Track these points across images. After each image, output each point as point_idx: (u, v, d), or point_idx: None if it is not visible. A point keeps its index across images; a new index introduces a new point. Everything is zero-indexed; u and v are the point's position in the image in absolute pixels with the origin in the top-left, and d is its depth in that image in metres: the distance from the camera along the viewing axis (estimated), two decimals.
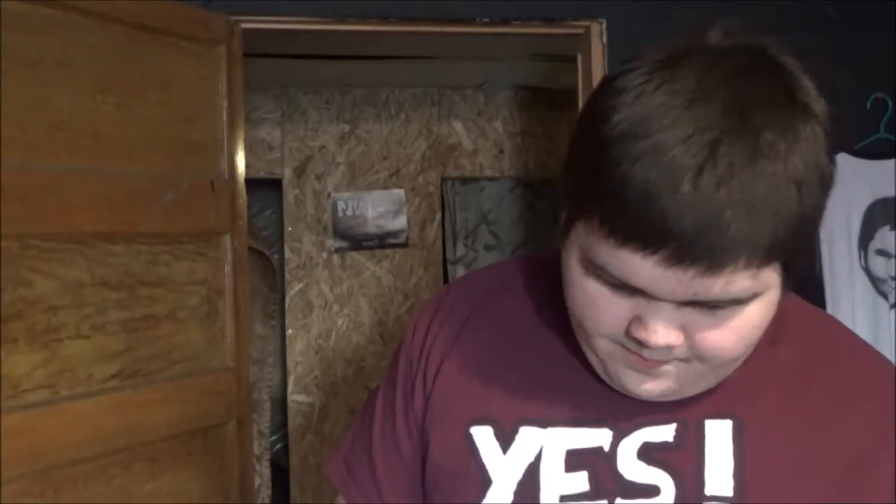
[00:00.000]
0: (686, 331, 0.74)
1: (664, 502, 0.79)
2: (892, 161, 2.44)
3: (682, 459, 0.80)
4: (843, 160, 2.43)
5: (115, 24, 1.80)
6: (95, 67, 1.77)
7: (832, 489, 0.78)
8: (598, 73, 2.34)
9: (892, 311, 2.43)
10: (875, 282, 2.43)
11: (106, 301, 1.77)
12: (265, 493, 2.93)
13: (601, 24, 2.35)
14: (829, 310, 2.39)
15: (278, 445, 3.85)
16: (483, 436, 0.86)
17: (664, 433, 0.82)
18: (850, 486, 0.79)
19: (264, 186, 3.79)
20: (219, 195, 2.03)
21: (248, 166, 2.18)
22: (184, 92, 1.96)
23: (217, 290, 2.03)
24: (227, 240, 2.06)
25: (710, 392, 0.81)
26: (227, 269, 2.06)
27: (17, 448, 1.58)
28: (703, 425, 0.81)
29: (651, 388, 0.79)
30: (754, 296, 0.72)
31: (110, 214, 1.77)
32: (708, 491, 0.79)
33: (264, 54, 2.94)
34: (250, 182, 2.22)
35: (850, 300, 2.40)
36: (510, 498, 0.83)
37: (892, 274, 2.43)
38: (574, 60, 2.45)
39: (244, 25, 2.15)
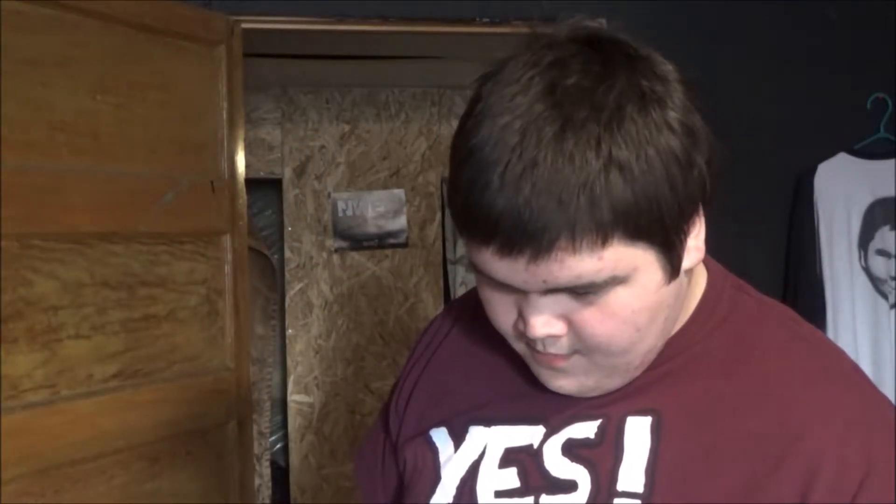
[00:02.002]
0: (568, 321, 0.75)
1: (579, 499, 0.80)
2: (892, 161, 2.44)
3: (601, 456, 0.81)
4: (843, 160, 2.44)
5: (115, 24, 1.80)
6: (95, 67, 1.77)
7: (740, 488, 0.76)
8: None
9: (892, 311, 2.42)
10: (875, 282, 2.43)
11: (106, 301, 1.77)
12: (265, 493, 2.93)
13: (601, 24, 2.35)
14: (829, 310, 2.40)
15: (278, 445, 3.85)
16: (439, 436, 0.90)
17: (588, 430, 0.82)
18: (757, 486, 0.76)
19: (264, 186, 3.79)
20: (219, 195, 2.03)
21: (248, 166, 2.18)
22: (184, 92, 1.97)
23: (217, 290, 2.03)
24: (227, 240, 2.06)
25: (637, 388, 0.82)
26: (227, 269, 2.06)
27: (17, 448, 1.58)
28: (624, 422, 0.81)
29: (564, 384, 0.81)
30: (615, 279, 0.72)
31: (110, 214, 1.77)
32: (619, 487, 0.79)
33: (264, 54, 2.94)
34: (250, 182, 2.22)
35: (850, 300, 2.40)
36: (452, 493, 0.85)
37: (892, 274, 2.43)
38: None
39: (244, 25, 2.15)
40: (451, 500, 0.85)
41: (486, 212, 0.69)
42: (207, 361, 2.00)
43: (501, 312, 0.78)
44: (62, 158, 1.69)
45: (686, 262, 0.77)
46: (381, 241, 3.73)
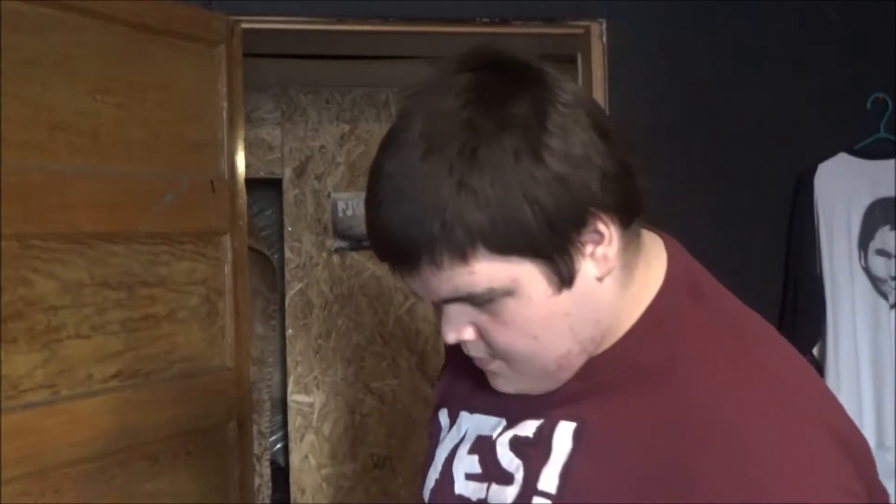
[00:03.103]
0: (477, 329, 0.81)
1: (512, 492, 0.85)
2: (892, 161, 2.44)
3: (535, 454, 0.85)
4: (843, 160, 2.44)
5: (115, 24, 1.80)
6: (95, 67, 1.77)
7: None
8: (598, 73, 2.34)
9: (892, 311, 2.42)
10: (875, 282, 2.43)
11: (106, 301, 1.77)
12: (265, 493, 2.93)
13: (601, 24, 2.35)
14: (829, 310, 2.39)
15: (278, 445, 3.85)
16: (443, 416, 1.00)
17: (531, 428, 0.86)
18: None
19: (264, 186, 3.79)
20: (219, 195, 2.03)
21: (248, 166, 2.18)
22: (184, 92, 1.97)
23: (217, 290, 2.03)
24: (227, 240, 2.06)
25: (574, 394, 0.84)
26: (227, 269, 2.06)
27: (17, 448, 1.58)
28: (556, 424, 0.84)
29: (501, 385, 0.87)
30: (496, 290, 0.77)
31: (110, 214, 1.77)
32: (539, 486, 0.83)
33: (264, 54, 2.94)
34: (250, 182, 2.22)
35: (850, 300, 2.40)
36: (438, 471, 0.94)
37: (892, 274, 2.43)
38: (574, 60, 2.45)
39: (244, 25, 2.15)
40: (437, 477, 0.94)
41: (373, 234, 0.79)
42: (207, 361, 2.00)
43: (438, 321, 0.84)
44: (62, 158, 1.69)
45: (594, 272, 0.79)
46: None
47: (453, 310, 0.80)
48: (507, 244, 0.74)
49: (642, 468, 0.77)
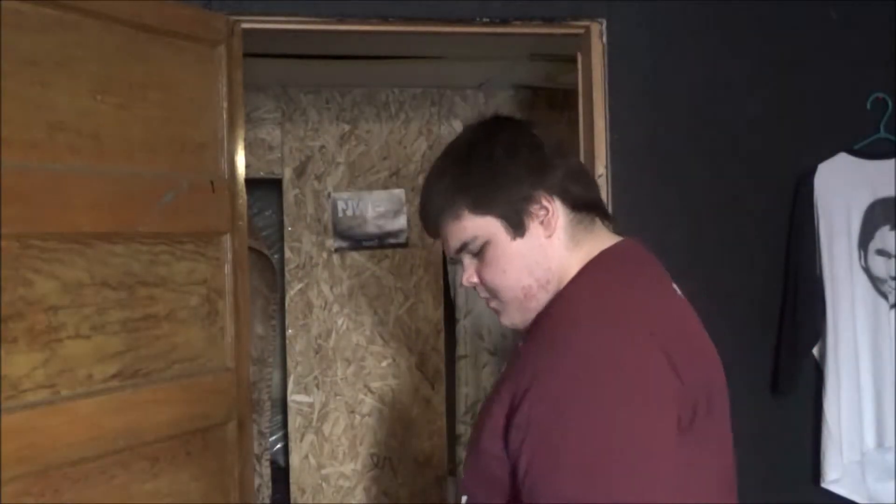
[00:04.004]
0: (478, 274, 1.32)
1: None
2: (892, 161, 2.44)
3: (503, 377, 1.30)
4: (843, 160, 2.44)
5: (115, 24, 1.80)
6: (95, 67, 1.77)
7: (503, 412, 1.19)
8: (598, 73, 2.34)
9: (892, 311, 2.42)
10: (875, 282, 2.43)
11: (106, 301, 1.77)
12: (265, 493, 2.93)
13: (601, 24, 2.35)
14: (829, 310, 2.39)
15: (278, 445, 3.85)
16: None
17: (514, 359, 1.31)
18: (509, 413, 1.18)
19: (264, 186, 3.79)
20: (219, 195, 2.04)
21: (248, 166, 2.18)
22: (184, 92, 1.97)
23: (217, 290, 2.03)
24: (227, 240, 2.06)
25: (529, 330, 1.32)
26: (227, 269, 2.06)
27: (17, 448, 1.58)
28: (518, 354, 1.30)
29: (503, 319, 1.36)
30: (480, 238, 1.29)
31: (110, 214, 1.77)
32: (491, 393, 1.28)
33: (264, 54, 2.94)
34: (250, 182, 2.22)
35: (850, 300, 2.40)
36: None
37: (892, 274, 2.43)
38: (574, 60, 2.45)
39: (244, 25, 2.15)
40: None
41: (421, 217, 1.37)
42: (207, 361, 2.00)
43: (460, 279, 1.40)
44: (62, 158, 1.69)
45: (542, 232, 1.28)
46: (381, 241, 3.73)
47: (465, 261, 1.33)
48: (480, 207, 1.28)
49: (509, 389, 1.20)
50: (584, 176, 1.35)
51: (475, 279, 1.32)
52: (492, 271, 1.29)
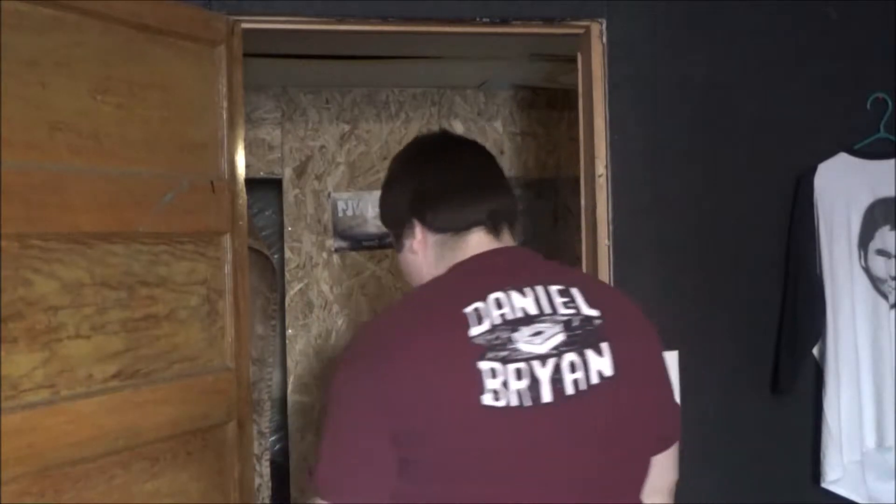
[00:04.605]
0: None
1: None
2: (892, 161, 2.44)
3: None
4: (843, 160, 2.44)
5: (115, 24, 1.80)
6: (95, 67, 1.77)
7: None
8: (598, 73, 2.34)
9: (892, 311, 2.42)
10: (875, 282, 2.43)
11: (106, 301, 1.77)
12: (265, 493, 2.93)
13: (601, 24, 2.35)
14: (830, 310, 2.40)
15: (278, 445, 3.85)
16: None
17: None
18: None
19: (264, 186, 3.79)
20: (219, 195, 2.04)
21: (248, 166, 2.18)
22: (184, 92, 1.97)
23: (217, 290, 2.03)
24: (227, 240, 2.06)
25: None
26: (227, 269, 2.06)
27: (17, 448, 1.58)
28: None
29: None
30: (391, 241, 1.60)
31: (110, 214, 1.77)
32: None
33: (264, 54, 2.94)
34: (250, 182, 2.22)
35: (850, 300, 2.40)
36: None
37: (892, 274, 2.43)
38: (574, 60, 2.45)
39: (244, 25, 2.15)
40: None
41: None
42: (207, 361, 2.00)
43: None
44: (62, 158, 1.69)
45: (412, 248, 1.47)
46: (381, 241, 3.74)
47: None
48: (384, 224, 1.57)
49: None
50: (461, 200, 1.44)
51: None
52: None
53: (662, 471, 1.42)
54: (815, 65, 2.47)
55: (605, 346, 1.32)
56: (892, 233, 2.43)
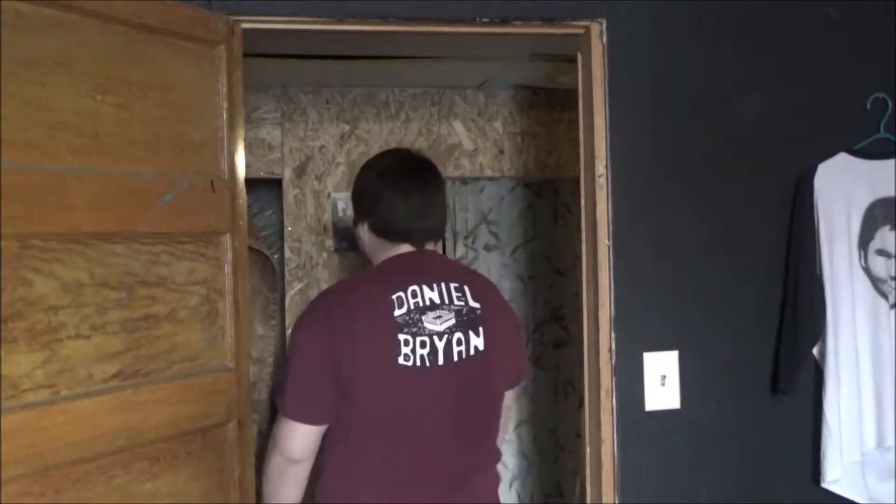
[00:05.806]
0: None
1: None
2: (892, 161, 2.44)
3: None
4: (843, 160, 2.44)
5: (115, 24, 1.80)
6: (95, 67, 1.77)
7: None
8: (598, 73, 2.34)
9: (892, 311, 2.42)
10: (875, 282, 2.43)
11: (106, 301, 1.77)
12: None
13: (601, 24, 2.35)
14: (830, 310, 2.39)
15: None
16: None
17: None
18: None
19: (264, 186, 3.79)
20: (219, 195, 2.04)
21: (248, 166, 2.18)
22: (184, 92, 1.97)
23: (217, 290, 2.03)
24: (227, 240, 2.06)
25: None
26: (227, 269, 2.06)
27: (17, 448, 1.58)
28: None
29: None
30: None
31: (110, 214, 1.77)
32: None
33: (264, 54, 2.94)
34: (250, 182, 2.22)
35: (850, 300, 2.40)
36: None
37: (892, 274, 2.43)
38: (574, 60, 2.45)
39: (244, 25, 2.15)
40: None
41: None
42: (207, 361, 2.00)
43: None
44: (62, 158, 1.69)
45: (360, 230, 2.06)
46: None
47: None
48: (352, 201, 2.07)
49: None
50: (402, 226, 1.98)
51: None
52: None
53: (507, 400, 2.11)
54: (815, 65, 2.47)
55: (481, 329, 1.95)
56: (892, 233, 2.43)
